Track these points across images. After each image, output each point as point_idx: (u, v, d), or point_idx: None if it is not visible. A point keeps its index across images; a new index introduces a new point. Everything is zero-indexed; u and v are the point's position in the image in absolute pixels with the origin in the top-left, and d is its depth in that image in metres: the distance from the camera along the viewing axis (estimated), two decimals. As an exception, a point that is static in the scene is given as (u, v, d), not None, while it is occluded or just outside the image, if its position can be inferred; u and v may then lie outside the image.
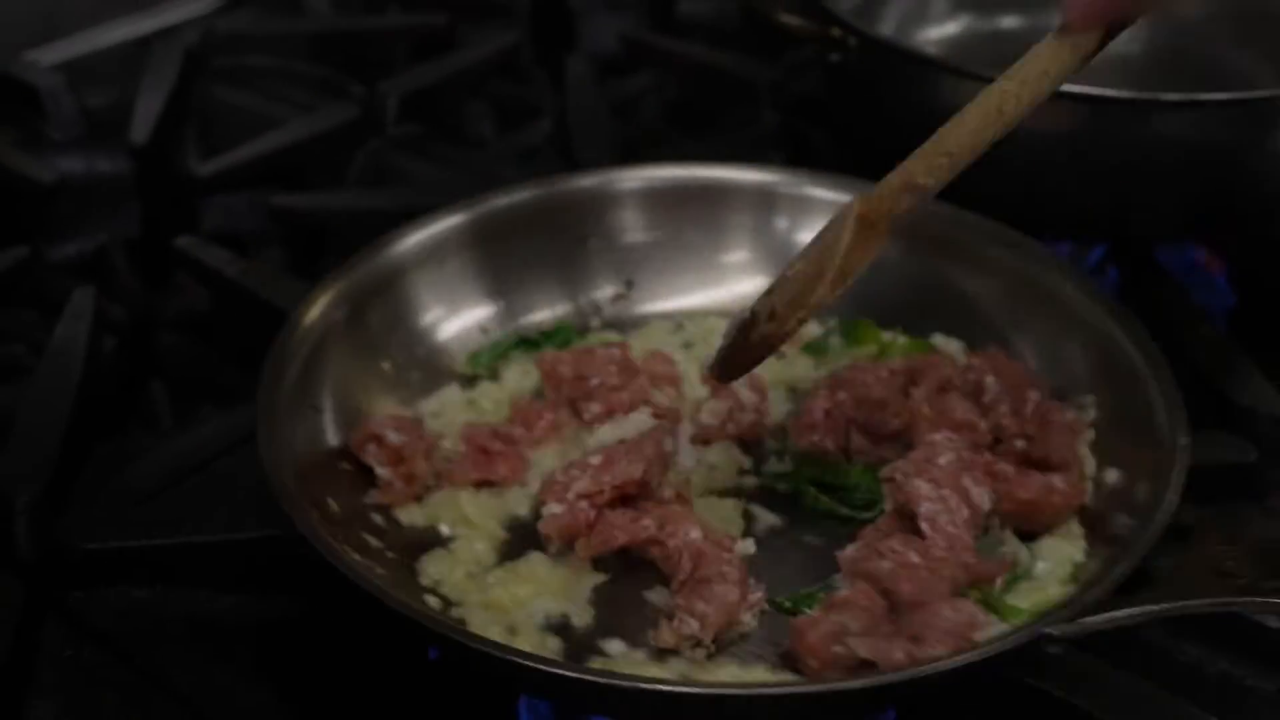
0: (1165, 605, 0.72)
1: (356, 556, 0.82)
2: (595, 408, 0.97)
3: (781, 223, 1.09)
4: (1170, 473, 0.82)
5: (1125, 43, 1.36)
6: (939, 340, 1.04)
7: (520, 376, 1.03)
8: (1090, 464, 0.93)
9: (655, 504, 0.88)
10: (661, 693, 0.72)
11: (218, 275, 1.15)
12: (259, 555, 0.89)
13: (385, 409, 0.97)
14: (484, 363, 1.04)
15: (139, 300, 1.23)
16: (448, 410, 1.00)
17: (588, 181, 1.10)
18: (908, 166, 0.80)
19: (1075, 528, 0.89)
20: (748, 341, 0.84)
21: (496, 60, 1.56)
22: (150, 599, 0.90)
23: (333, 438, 0.93)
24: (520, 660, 0.74)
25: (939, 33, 1.42)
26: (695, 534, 0.85)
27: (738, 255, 1.10)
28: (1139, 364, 0.91)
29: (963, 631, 0.77)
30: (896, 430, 0.94)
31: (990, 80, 1.05)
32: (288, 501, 0.81)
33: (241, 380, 1.11)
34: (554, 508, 0.87)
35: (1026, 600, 0.83)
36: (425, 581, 0.87)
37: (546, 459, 0.95)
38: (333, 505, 0.88)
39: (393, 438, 0.92)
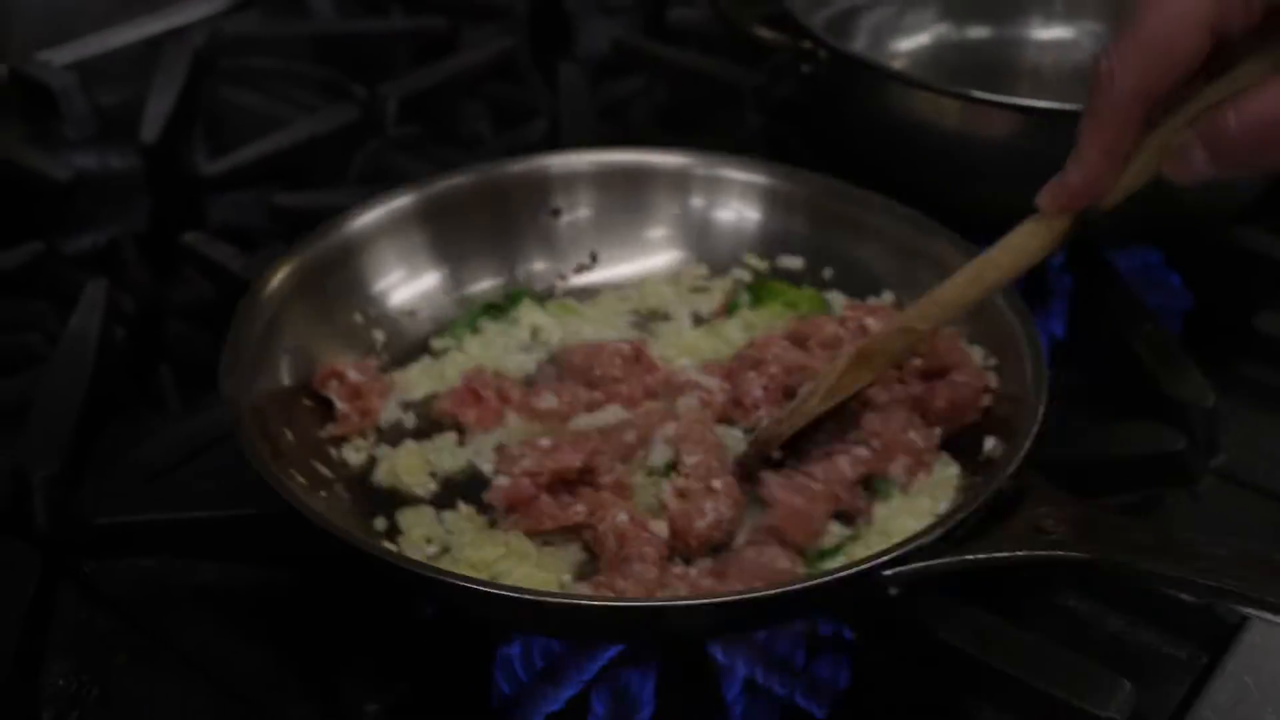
0: (979, 556, 0.79)
1: (302, 480, 0.91)
2: (597, 396, 1.03)
3: (698, 201, 1.17)
4: (1025, 436, 0.87)
5: (1083, 51, 1.44)
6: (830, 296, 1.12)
7: (482, 347, 1.09)
8: (978, 353, 1.01)
9: (594, 490, 0.94)
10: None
11: (223, 269, 1.22)
12: (259, 530, 0.96)
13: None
14: (456, 333, 1.10)
15: (148, 291, 1.29)
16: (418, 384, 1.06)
17: (519, 166, 1.17)
18: (905, 315, 0.95)
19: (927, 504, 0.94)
20: (758, 441, 0.97)
21: (494, 63, 1.62)
22: (158, 569, 0.97)
23: (294, 379, 1.01)
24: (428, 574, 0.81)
25: (912, 43, 1.48)
26: (623, 517, 0.91)
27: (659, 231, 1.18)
28: (1015, 326, 0.97)
29: (764, 574, 0.86)
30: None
31: (951, 94, 1.14)
32: (239, 427, 0.89)
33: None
34: (502, 480, 0.94)
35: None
36: (380, 526, 0.94)
37: (519, 429, 1.01)
38: (289, 436, 0.95)
39: (353, 375, 1.01)
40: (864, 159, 1.30)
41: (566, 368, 1.06)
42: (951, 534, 0.80)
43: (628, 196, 1.17)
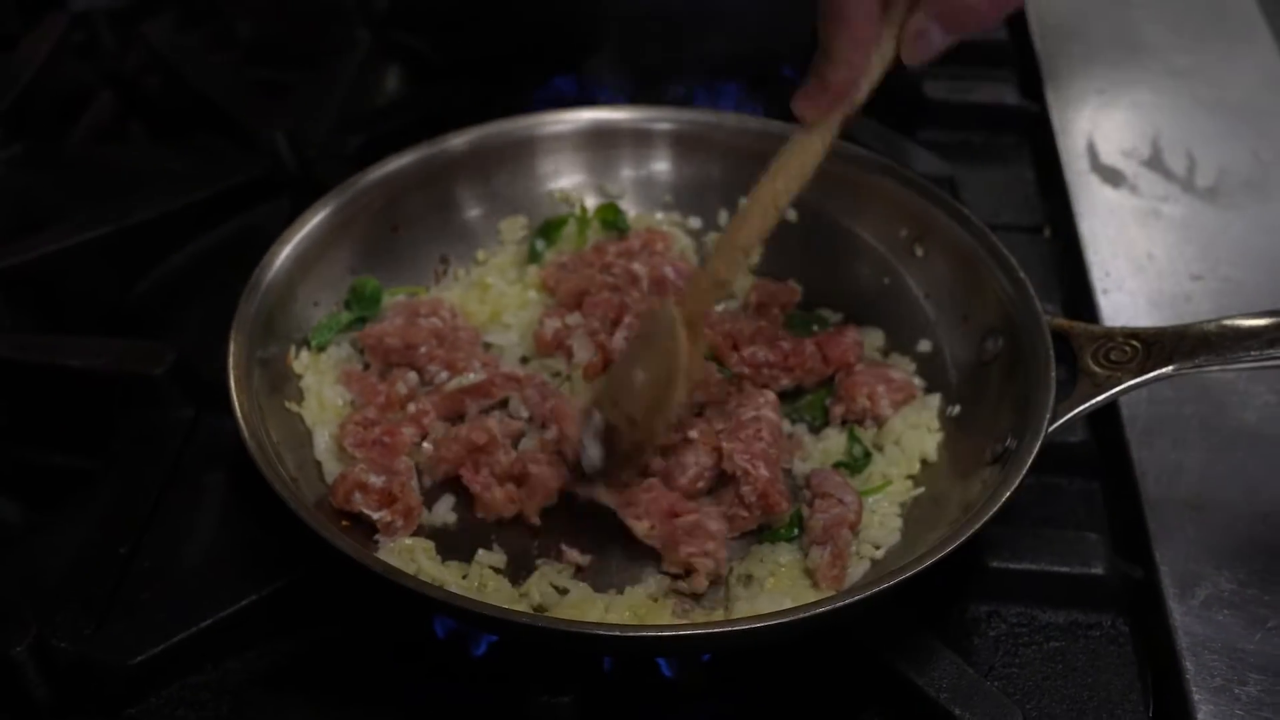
0: (1105, 395, 0.91)
1: None
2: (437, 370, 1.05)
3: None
4: (1037, 316, 0.97)
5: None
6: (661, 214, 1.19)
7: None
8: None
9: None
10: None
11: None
12: (287, 601, 0.93)
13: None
14: (324, 339, 1.06)
15: None
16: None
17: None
18: (711, 267, 0.95)
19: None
20: (621, 449, 0.96)
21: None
22: (208, 679, 0.91)
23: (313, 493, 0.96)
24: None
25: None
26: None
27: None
28: (971, 244, 1.05)
29: None
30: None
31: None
32: (377, 564, 0.85)
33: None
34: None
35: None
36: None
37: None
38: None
39: (375, 481, 0.95)
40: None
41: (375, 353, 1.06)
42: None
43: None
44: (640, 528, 0.94)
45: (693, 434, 0.98)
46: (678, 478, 0.96)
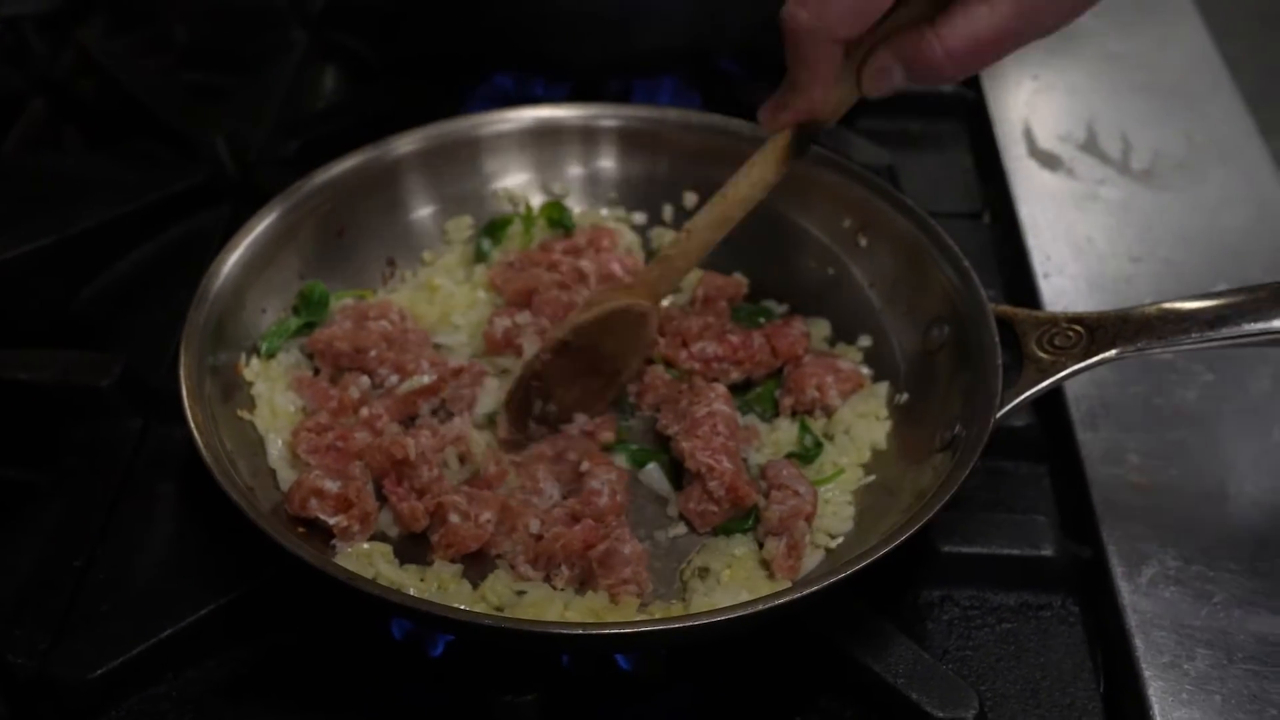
0: (1051, 380, 0.93)
1: None
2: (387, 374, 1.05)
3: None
4: (982, 304, 0.98)
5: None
6: (606, 211, 1.20)
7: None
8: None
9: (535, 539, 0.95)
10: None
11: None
12: (244, 609, 0.93)
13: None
14: (274, 346, 1.05)
15: None
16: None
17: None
18: (664, 251, 1.04)
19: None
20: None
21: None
22: (169, 689, 0.91)
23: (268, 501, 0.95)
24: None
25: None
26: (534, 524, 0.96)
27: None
28: (914, 233, 1.07)
29: None
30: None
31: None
32: (338, 570, 0.84)
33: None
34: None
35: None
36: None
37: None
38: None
39: (331, 486, 0.95)
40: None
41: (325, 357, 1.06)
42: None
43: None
44: (560, 580, 0.94)
45: (584, 466, 0.99)
46: (597, 502, 0.97)
